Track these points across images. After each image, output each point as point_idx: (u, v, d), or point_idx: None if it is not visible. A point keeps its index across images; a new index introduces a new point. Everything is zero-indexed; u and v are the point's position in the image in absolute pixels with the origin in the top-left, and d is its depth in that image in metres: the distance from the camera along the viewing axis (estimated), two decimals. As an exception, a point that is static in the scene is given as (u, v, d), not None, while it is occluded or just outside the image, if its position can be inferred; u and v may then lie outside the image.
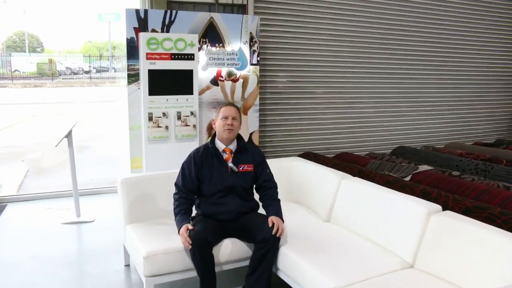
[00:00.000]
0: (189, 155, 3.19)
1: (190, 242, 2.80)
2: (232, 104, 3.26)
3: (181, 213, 3.01)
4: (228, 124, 3.10)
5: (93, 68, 32.11)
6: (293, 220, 3.48)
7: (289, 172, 4.06)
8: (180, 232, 2.90)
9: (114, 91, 23.07)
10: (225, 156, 3.16)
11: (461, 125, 7.82)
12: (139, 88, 4.74)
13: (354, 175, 4.02)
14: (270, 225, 2.95)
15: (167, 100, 4.66)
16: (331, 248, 2.97)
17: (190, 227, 2.90)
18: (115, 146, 9.67)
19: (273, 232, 2.91)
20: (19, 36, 36.63)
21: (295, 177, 4.02)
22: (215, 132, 3.21)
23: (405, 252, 2.81)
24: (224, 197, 3.13)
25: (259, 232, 2.95)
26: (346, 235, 3.20)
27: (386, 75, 6.82)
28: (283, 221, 3.05)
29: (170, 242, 2.97)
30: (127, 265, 3.70)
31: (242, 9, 5.73)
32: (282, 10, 5.91)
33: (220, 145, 3.17)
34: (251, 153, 3.24)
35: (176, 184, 3.14)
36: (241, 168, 3.16)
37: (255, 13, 5.69)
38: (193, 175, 3.11)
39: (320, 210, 3.62)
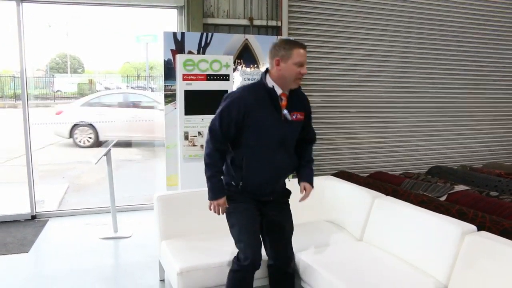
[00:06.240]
0: (235, 94, 2.68)
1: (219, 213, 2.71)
2: (305, 45, 2.73)
3: (217, 177, 2.68)
4: (303, 74, 2.67)
5: (131, 87, 32.86)
6: (326, 239, 3.50)
7: (322, 191, 4.07)
8: (216, 202, 2.68)
9: (151, 110, 23.53)
10: (281, 102, 2.72)
11: (500, 144, 7.62)
12: (175, 108, 4.87)
13: (388, 194, 3.99)
14: (301, 191, 2.88)
15: (202, 119, 4.77)
16: (364, 267, 2.97)
17: (226, 204, 2.71)
18: (152, 164, 9.88)
19: (300, 200, 2.88)
20: (62, 58, 37.90)
21: (328, 196, 4.03)
22: (267, 71, 2.74)
23: (439, 272, 2.77)
24: (273, 153, 2.71)
25: (278, 255, 2.91)
26: (379, 254, 3.18)
27: (422, 93, 6.76)
28: (312, 186, 2.92)
29: (203, 258, 3.03)
30: (162, 280, 3.78)
31: (276, 30, 5.84)
32: (315, 31, 5.98)
33: (277, 89, 2.69)
34: (302, 99, 2.86)
35: (211, 130, 2.67)
36: (294, 117, 2.74)
37: (289, 34, 5.78)
38: (240, 119, 2.61)
39: (353, 229, 3.62)
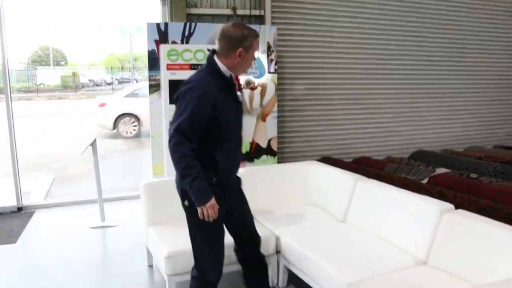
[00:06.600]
0: (199, 89, 2.44)
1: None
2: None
3: (201, 177, 2.39)
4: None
5: (115, 79, 32.69)
6: (310, 221, 3.59)
7: (305, 175, 4.16)
8: (209, 205, 2.41)
9: (136, 102, 23.44)
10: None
11: (482, 128, 7.77)
12: (160, 98, 4.90)
13: (371, 178, 4.08)
14: None
15: (187, 108, 4.80)
16: (346, 246, 3.06)
17: (217, 205, 2.46)
18: (137, 154, 9.90)
19: None
20: (44, 50, 37.55)
21: (312, 180, 4.11)
22: (213, 52, 2.57)
23: (418, 249, 2.88)
24: (236, 139, 2.65)
25: (249, 243, 2.91)
26: (361, 234, 3.28)
27: (404, 79, 6.85)
28: None
29: (190, 242, 3.08)
30: (150, 266, 3.84)
31: (259, 19, 5.87)
32: (298, 19, 6.02)
33: (233, 77, 2.62)
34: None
35: (180, 131, 2.39)
36: (241, 96, 2.71)
37: (273, 23, 5.81)
38: (211, 115, 2.44)
39: (336, 211, 3.71)
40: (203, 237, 2.62)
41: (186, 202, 2.54)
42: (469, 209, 3.27)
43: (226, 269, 2.87)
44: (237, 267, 3.11)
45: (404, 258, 2.86)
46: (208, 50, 2.55)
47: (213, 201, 2.43)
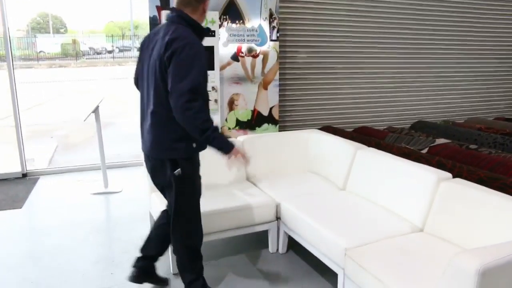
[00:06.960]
0: (198, 46, 2.35)
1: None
2: None
3: (218, 128, 2.41)
4: None
5: (116, 47, 32.43)
6: (310, 188, 3.64)
7: (306, 143, 4.20)
8: (234, 150, 2.44)
9: (137, 71, 23.30)
10: None
11: (483, 100, 7.78)
12: (162, 65, 4.89)
13: (371, 147, 4.13)
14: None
15: (189, 76, 4.80)
16: (345, 213, 3.12)
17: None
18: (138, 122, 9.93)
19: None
20: (43, 17, 37.08)
21: (313, 149, 4.15)
22: (189, 11, 2.46)
23: (415, 217, 2.94)
24: None
25: None
26: (360, 202, 3.34)
27: (406, 49, 6.82)
28: None
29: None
30: (153, 231, 3.91)
31: (261, -15, 5.80)
32: (301, -14, 5.96)
33: None
34: None
35: (195, 89, 2.31)
36: None
37: (275, -11, 5.75)
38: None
39: (336, 179, 3.77)
40: (194, 204, 2.64)
41: (179, 171, 2.48)
42: (467, 178, 3.32)
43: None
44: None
45: (401, 225, 2.92)
46: (173, 8, 2.45)
47: (236, 149, 2.45)
